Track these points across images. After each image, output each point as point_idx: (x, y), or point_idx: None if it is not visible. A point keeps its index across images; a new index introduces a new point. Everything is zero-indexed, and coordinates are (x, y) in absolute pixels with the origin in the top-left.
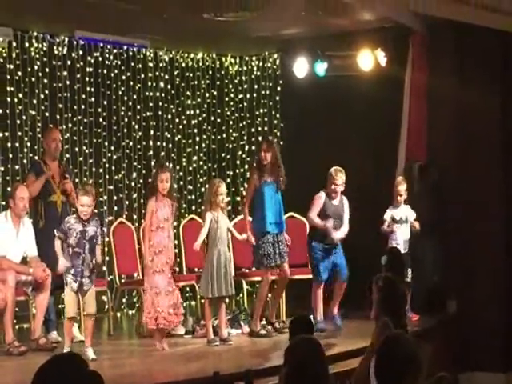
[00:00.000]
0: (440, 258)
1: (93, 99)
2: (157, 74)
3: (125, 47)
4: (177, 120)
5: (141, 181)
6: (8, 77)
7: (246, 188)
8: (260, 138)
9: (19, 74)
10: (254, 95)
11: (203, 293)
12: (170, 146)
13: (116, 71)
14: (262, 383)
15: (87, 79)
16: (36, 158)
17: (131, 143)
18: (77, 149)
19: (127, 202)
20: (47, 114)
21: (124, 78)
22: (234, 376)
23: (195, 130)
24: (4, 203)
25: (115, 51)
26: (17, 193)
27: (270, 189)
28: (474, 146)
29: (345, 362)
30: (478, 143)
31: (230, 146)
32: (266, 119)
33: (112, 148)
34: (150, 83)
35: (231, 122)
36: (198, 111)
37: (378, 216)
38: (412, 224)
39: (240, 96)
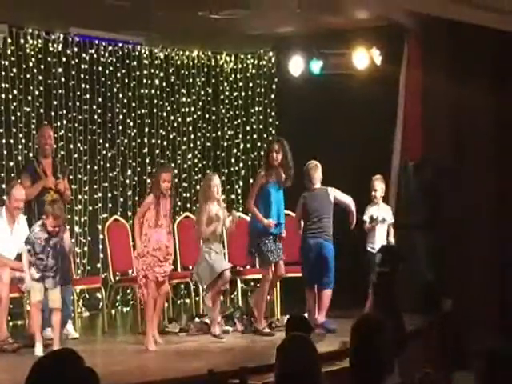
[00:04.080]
0: (434, 257)
1: (88, 96)
2: (152, 71)
3: (120, 44)
4: (172, 117)
5: (135, 178)
6: (3, 73)
7: (250, 185)
8: (255, 136)
9: (14, 70)
10: (249, 93)
11: (204, 280)
12: (165, 143)
13: (111, 68)
14: (256, 381)
15: (82, 76)
16: (31, 155)
17: (126, 140)
18: (71, 146)
19: (122, 200)
20: (42, 110)
21: (119, 75)
22: (228, 374)
23: (190, 128)
24: None
25: (110, 48)
26: (13, 192)
27: (274, 189)
28: (469, 143)
29: (337, 362)
30: (472, 141)
31: (225, 143)
32: (261, 117)
33: (107, 145)
34: (145, 80)
35: (226, 120)
36: (192, 109)
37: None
38: (389, 225)
39: (235, 94)
